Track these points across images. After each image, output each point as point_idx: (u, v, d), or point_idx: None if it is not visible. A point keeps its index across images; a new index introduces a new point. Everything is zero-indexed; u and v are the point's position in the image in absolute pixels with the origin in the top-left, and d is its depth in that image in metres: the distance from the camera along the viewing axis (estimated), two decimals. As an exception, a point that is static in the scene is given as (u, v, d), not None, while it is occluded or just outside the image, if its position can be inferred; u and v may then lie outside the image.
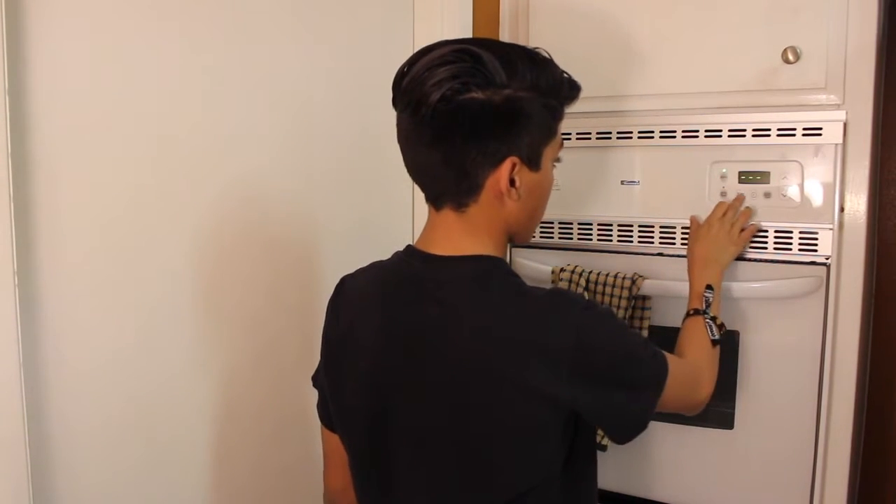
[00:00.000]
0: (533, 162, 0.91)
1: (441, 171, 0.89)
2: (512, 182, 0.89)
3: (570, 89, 0.94)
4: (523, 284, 0.92)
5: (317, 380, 1.06)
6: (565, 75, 0.94)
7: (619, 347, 0.90)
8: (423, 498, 0.94)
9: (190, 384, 1.24)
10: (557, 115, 0.94)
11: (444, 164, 0.88)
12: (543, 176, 0.94)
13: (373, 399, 0.95)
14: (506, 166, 0.89)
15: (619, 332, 0.93)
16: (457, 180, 0.89)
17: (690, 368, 1.07)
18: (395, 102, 0.91)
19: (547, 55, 0.93)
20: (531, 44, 1.43)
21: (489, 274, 0.92)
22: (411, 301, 0.93)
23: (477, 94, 0.85)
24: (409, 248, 0.97)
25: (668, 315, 1.31)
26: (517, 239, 0.98)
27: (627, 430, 0.94)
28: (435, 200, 0.94)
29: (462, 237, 0.92)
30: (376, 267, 1.01)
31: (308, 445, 1.35)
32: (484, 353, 0.87)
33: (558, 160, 0.99)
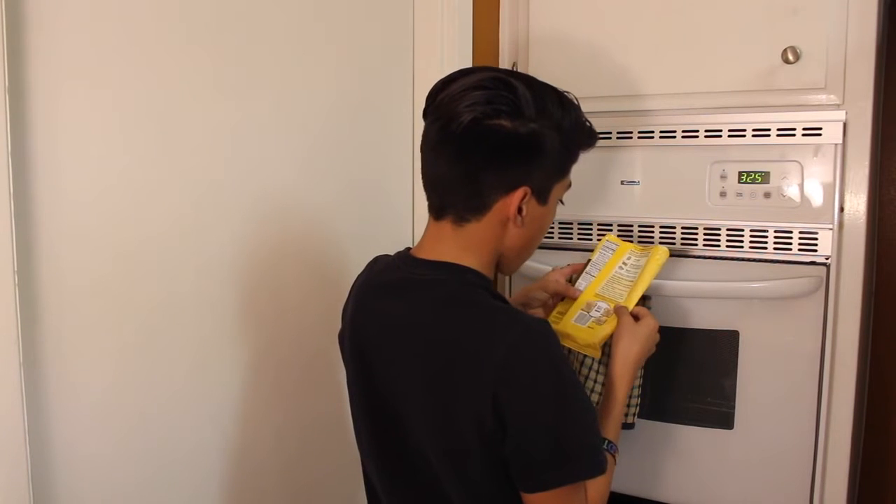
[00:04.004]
0: (542, 195, 0.96)
1: (456, 186, 0.94)
2: (519, 210, 0.94)
3: (588, 137, 1.00)
4: (489, 300, 0.93)
5: None
6: (587, 123, 0.99)
7: (549, 386, 0.86)
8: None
9: (193, 385, 1.24)
10: (572, 158, 0.99)
11: (461, 180, 0.93)
12: (547, 211, 0.99)
13: (362, 393, 1.02)
14: (518, 194, 0.93)
15: (553, 370, 0.87)
16: (468, 197, 0.94)
17: None
18: (426, 113, 0.96)
19: (576, 101, 0.98)
20: (531, 43, 1.45)
21: (465, 280, 0.95)
22: (386, 298, 0.99)
23: (505, 123, 0.90)
24: (406, 250, 1.03)
25: (669, 315, 1.31)
26: (504, 266, 1.01)
27: (523, 480, 0.89)
28: (438, 210, 0.97)
29: (452, 248, 0.96)
30: (377, 260, 1.07)
31: (337, 452, 1.36)
32: (437, 357, 0.90)
33: (562, 201, 1.03)
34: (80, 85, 1.06)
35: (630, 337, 1.07)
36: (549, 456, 0.86)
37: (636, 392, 1.28)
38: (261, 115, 1.29)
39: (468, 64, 1.53)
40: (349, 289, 1.09)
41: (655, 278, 1.20)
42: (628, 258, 1.23)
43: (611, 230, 1.38)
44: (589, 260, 1.25)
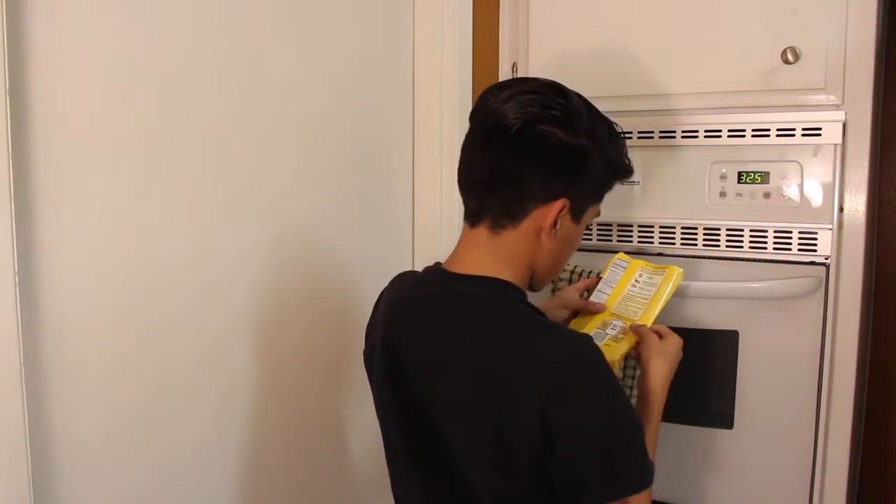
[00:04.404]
0: (577, 213, 0.96)
1: (497, 187, 0.93)
2: (555, 222, 0.93)
3: (625, 171, 1.01)
4: (534, 315, 0.93)
5: None
6: (628, 158, 1.01)
7: (599, 404, 0.86)
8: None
9: (193, 385, 1.24)
10: (609, 185, 1.00)
11: (504, 182, 0.92)
12: (578, 231, 0.99)
13: (398, 412, 1.00)
14: (557, 205, 0.93)
15: (602, 386, 0.87)
16: (508, 201, 0.93)
17: None
18: (475, 113, 0.96)
19: (623, 134, 1.01)
20: (531, 43, 1.45)
21: (505, 300, 0.93)
22: (425, 315, 0.96)
23: (557, 131, 0.90)
24: (436, 265, 1.01)
25: (668, 315, 1.31)
26: (535, 282, 1.00)
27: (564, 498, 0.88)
28: (475, 215, 0.96)
29: (488, 260, 0.95)
30: (406, 276, 1.06)
31: (338, 452, 1.36)
32: (484, 374, 0.88)
33: (590, 225, 1.01)
34: (80, 85, 1.06)
35: (659, 355, 1.05)
36: (599, 472, 0.86)
37: (636, 392, 1.28)
38: (259, 118, 1.29)
39: (468, 64, 1.53)
40: (375, 304, 1.07)
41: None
42: (640, 276, 1.21)
43: (611, 230, 1.38)
44: (600, 277, 1.23)
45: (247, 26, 1.26)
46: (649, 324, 1.13)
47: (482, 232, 0.95)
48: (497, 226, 0.94)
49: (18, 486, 1.00)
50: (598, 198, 1.00)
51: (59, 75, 1.03)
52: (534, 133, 0.90)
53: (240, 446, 1.32)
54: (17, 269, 0.97)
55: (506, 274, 0.94)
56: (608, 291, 1.20)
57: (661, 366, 1.05)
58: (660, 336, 1.08)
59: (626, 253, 1.24)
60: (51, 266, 1.04)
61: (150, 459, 1.19)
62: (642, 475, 0.88)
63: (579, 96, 0.96)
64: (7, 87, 0.95)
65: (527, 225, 0.93)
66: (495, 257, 0.94)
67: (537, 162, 0.91)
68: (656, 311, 1.15)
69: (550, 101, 0.91)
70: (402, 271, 1.08)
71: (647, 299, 1.17)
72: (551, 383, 0.84)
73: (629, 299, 1.18)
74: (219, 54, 1.22)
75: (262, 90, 1.29)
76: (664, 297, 1.15)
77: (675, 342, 1.08)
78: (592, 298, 1.20)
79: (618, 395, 0.89)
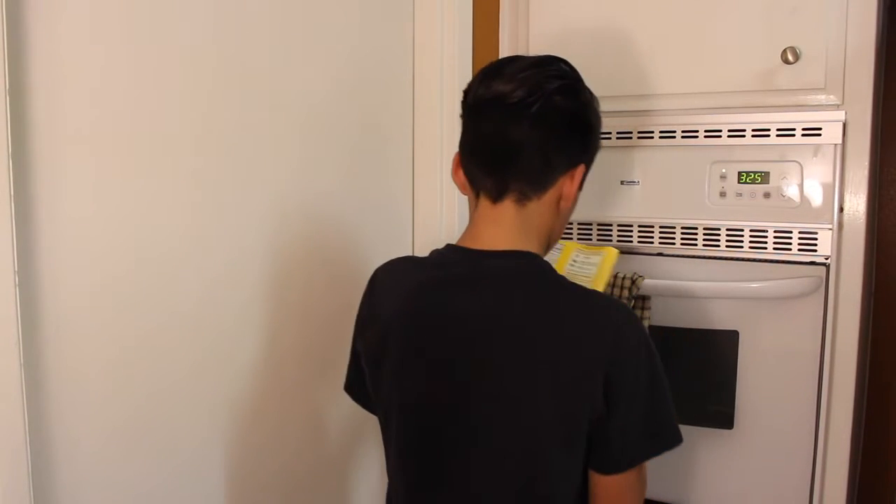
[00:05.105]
0: (584, 178, 1.00)
1: (529, 154, 0.94)
2: (580, 187, 0.98)
3: (602, 136, 1.05)
4: (572, 283, 0.95)
5: (349, 388, 1.11)
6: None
7: (648, 363, 0.89)
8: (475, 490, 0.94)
9: (193, 385, 1.24)
10: (599, 149, 1.04)
11: (537, 147, 0.94)
12: (578, 196, 1.01)
13: (417, 393, 0.97)
14: (580, 170, 0.97)
15: (649, 348, 0.91)
16: (541, 168, 0.95)
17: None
18: (479, 95, 0.95)
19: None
20: (531, 44, 1.45)
21: (542, 269, 0.95)
22: (460, 294, 0.94)
23: (578, 101, 0.96)
24: (449, 246, 1.00)
25: (669, 315, 1.31)
26: (546, 249, 1.02)
27: (613, 460, 0.91)
28: (500, 191, 0.95)
29: (513, 233, 0.95)
30: (411, 260, 1.05)
31: (337, 452, 1.35)
32: (539, 347, 0.89)
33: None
34: (80, 85, 1.06)
35: None
36: (647, 431, 0.90)
37: None
38: (259, 116, 1.29)
39: (468, 64, 1.53)
40: (369, 291, 1.04)
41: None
42: (577, 256, 1.26)
43: (610, 230, 1.38)
44: None
45: (246, 22, 1.26)
46: None
47: (508, 206, 0.95)
48: (524, 198, 0.95)
49: (18, 486, 1.00)
50: (593, 161, 1.03)
51: (59, 75, 1.03)
52: (568, 99, 0.94)
53: (240, 446, 1.32)
54: (17, 269, 0.97)
55: (532, 245, 0.96)
56: None
57: None
58: None
59: (624, 254, 1.25)
60: (51, 266, 1.04)
61: (149, 459, 1.19)
62: (678, 430, 0.93)
63: (571, 66, 0.99)
64: (7, 87, 0.95)
65: (551, 194, 0.96)
66: (521, 230, 0.95)
67: (568, 126, 0.95)
68: (601, 289, 1.19)
69: (571, 73, 0.97)
70: (393, 258, 1.05)
71: (588, 277, 1.22)
72: (612, 345, 0.87)
73: (570, 278, 1.21)
74: (219, 50, 1.22)
75: (261, 91, 1.29)
76: (607, 275, 1.21)
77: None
78: None
79: (657, 354, 0.92)
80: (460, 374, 0.93)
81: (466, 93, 0.98)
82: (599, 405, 0.87)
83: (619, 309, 0.92)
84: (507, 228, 0.95)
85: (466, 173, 0.98)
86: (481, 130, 0.96)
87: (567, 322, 0.89)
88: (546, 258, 1.23)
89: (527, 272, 0.94)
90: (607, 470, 0.91)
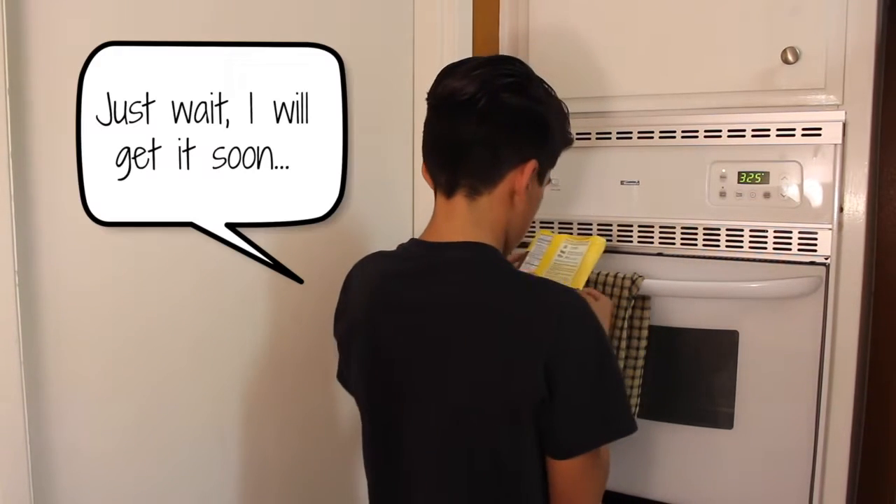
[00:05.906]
0: (541, 175, 1.02)
1: (477, 151, 0.97)
2: (528, 183, 0.98)
3: (570, 141, 1.08)
4: (522, 273, 1.00)
5: (339, 376, 1.13)
6: (570, 130, 1.07)
7: (594, 351, 0.91)
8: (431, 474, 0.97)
9: (192, 385, 1.24)
10: (560, 150, 1.06)
11: (484, 144, 0.96)
12: (540, 193, 1.05)
13: (384, 385, 1.00)
14: (530, 165, 0.98)
15: (597, 335, 0.93)
16: (484, 167, 0.97)
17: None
18: (436, 94, 0.99)
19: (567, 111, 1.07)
20: (531, 42, 1.45)
21: (490, 259, 0.97)
22: (415, 286, 0.98)
23: (522, 97, 0.97)
24: (413, 240, 1.04)
25: (669, 315, 1.31)
26: (508, 245, 1.04)
27: (566, 444, 0.92)
28: (451, 186, 0.99)
29: (466, 226, 0.98)
30: (380, 255, 1.07)
31: (336, 452, 1.35)
32: (487, 333, 0.91)
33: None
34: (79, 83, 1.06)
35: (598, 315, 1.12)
36: (596, 417, 0.91)
37: (636, 392, 1.28)
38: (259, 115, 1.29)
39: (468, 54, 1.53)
40: (344, 286, 1.09)
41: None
42: (565, 247, 1.30)
43: (610, 230, 1.38)
44: (527, 251, 1.32)
45: (246, 21, 1.26)
46: (580, 288, 1.21)
47: (459, 200, 0.98)
48: (474, 192, 0.98)
49: (18, 486, 1.00)
50: (554, 162, 1.05)
51: (59, 75, 1.03)
52: (514, 98, 0.96)
53: (240, 445, 1.32)
54: (17, 269, 0.97)
55: (486, 238, 0.98)
56: (535, 263, 1.29)
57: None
58: (594, 299, 1.17)
59: (624, 254, 1.25)
60: (51, 266, 1.04)
61: (149, 459, 1.19)
62: (632, 417, 0.94)
63: (523, 64, 1.01)
64: (7, 87, 0.95)
65: (502, 188, 0.98)
66: (474, 223, 0.98)
67: (514, 124, 0.97)
68: (585, 277, 1.24)
69: (522, 72, 0.98)
70: (370, 252, 1.09)
71: (574, 266, 1.25)
72: (555, 332, 0.89)
73: (557, 268, 1.26)
74: (215, 56, 1.22)
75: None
76: (592, 264, 1.25)
77: (606, 303, 1.19)
78: (522, 269, 1.26)
79: (608, 342, 0.95)
80: (412, 357, 0.97)
81: (428, 93, 1.01)
82: (542, 389, 0.88)
83: (566, 297, 0.93)
84: (460, 222, 0.98)
85: (428, 170, 1.03)
86: (436, 128, 1.00)
87: (511, 308, 0.91)
88: (535, 250, 1.28)
89: (476, 261, 0.97)
90: (558, 455, 0.92)
